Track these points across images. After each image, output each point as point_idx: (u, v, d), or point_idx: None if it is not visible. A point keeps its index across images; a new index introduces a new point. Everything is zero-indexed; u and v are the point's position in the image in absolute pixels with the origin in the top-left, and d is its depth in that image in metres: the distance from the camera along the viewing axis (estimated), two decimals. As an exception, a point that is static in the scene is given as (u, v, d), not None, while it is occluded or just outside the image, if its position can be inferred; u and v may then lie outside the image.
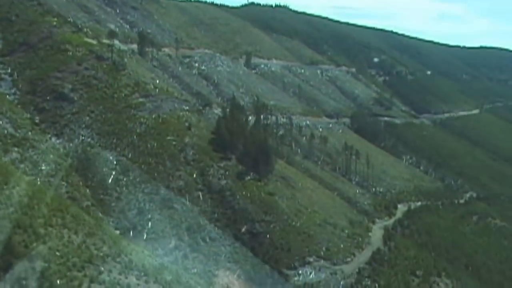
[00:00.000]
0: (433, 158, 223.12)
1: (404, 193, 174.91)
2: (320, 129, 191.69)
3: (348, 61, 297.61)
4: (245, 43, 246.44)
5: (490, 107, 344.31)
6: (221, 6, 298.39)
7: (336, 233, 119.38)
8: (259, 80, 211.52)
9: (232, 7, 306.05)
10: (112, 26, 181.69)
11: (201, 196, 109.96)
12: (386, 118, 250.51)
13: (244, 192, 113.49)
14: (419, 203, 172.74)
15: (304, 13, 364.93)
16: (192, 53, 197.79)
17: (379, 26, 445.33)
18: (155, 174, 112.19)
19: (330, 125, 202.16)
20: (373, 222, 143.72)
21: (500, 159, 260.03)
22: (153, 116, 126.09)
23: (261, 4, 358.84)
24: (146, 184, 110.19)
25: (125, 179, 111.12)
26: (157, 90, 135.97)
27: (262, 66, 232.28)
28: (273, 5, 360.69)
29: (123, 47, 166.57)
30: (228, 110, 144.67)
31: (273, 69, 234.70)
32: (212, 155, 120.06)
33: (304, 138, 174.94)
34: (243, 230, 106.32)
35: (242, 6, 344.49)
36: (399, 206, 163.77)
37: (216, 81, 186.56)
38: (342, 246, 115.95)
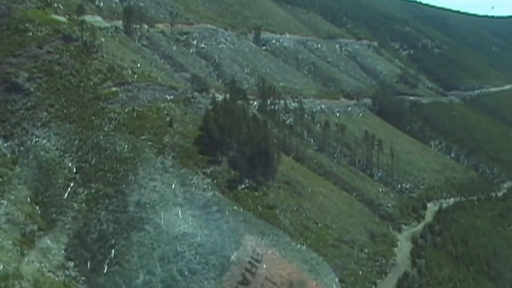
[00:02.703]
0: (465, 142, 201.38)
1: (434, 189, 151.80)
2: (337, 114, 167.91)
3: (370, 34, 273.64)
4: (255, 17, 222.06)
5: None
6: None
7: (353, 254, 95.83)
8: (268, 58, 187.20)
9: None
10: (97, 0, 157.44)
11: (180, 214, 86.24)
12: (411, 98, 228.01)
13: (235, 207, 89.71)
14: (451, 200, 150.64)
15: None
16: (191, 29, 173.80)
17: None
18: (124, 186, 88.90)
19: (349, 108, 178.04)
20: (399, 230, 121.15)
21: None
22: (126, 109, 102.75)
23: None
24: (112, 199, 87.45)
25: (85, 192, 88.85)
26: (135, 76, 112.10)
27: (274, 41, 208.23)
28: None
29: (106, 24, 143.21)
30: (220, 99, 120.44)
31: (285, 44, 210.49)
32: (197, 159, 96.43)
33: (318, 126, 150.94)
34: (232, 258, 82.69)
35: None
36: (428, 205, 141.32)
37: (217, 60, 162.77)
38: (360, 273, 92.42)
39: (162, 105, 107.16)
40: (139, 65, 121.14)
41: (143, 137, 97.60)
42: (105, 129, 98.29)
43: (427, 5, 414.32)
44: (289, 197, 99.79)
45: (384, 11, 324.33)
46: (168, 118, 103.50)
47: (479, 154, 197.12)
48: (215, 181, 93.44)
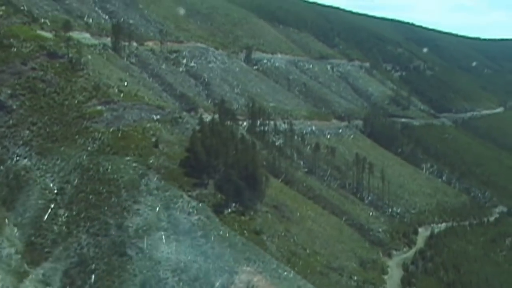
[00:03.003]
0: (457, 166, 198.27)
1: (426, 213, 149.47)
2: (328, 136, 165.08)
3: (362, 55, 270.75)
4: (246, 36, 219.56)
5: None
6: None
7: (342, 282, 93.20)
8: (259, 78, 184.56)
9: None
10: (86, 17, 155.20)
11: (164, 238, 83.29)
12: (403, 120, 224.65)
13: (221, 232, 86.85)
14: (443, 225, 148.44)
15: (314, 3, 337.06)
16: (181, 47, 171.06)
17: (394, 17, 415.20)
18: (106, 208, 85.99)
19: (340, 130, 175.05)
20: (390, 256, 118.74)
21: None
22: (111, 129, 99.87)
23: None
24: (93, 222, 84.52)
25: (66, 214, 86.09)
26: (121, 94, 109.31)
27: (265, 61, 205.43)
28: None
29: (94, 41, 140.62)
30: (208, 119, 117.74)
31: (277, 64, 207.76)
32: (182, 181, 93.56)
33: (308, 148, 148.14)
34: (217, 285, 79.74)
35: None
36: (420, 230, 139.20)
37: (206, 80, 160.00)
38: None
39: (148, 125, 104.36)
40: (126, 83, 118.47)
41: (127, 158, 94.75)
42: (89, 149, 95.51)
43: (419, 26, 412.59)
44: (277, 221, 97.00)
45: (376, 32, 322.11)
46: (153, 139, 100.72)
47: (471, 177, 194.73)
48: (200, 204, 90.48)
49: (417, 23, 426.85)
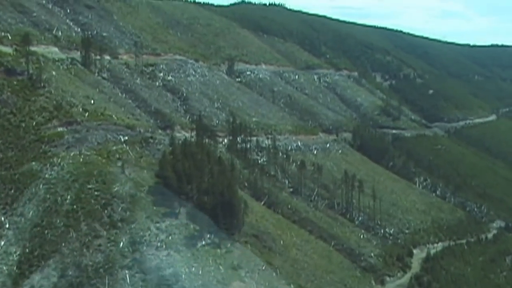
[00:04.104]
0: (451, 178, 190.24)
1: (420, 232, 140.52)
2: (315, 152, 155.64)
3: (350, 64, 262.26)
4: (229, 47, 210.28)
5: (506, 111, 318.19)
6: (204, 4, 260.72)
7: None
8: (241, 91, 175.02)
9: (218, 6, 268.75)
10: (55, 29, 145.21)
11: (128, 278, 73.51)
12: (393, 131, 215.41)
13: (193, 269, 76.91)
14: (439, 245, 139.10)
15: (299, 12, 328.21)
16: (158, 60, 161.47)
17: (382, 25, 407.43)
18: (63, 245, 76.15)
19: (328, 145, 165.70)
20: (382, 283, 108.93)
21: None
22: (72, 153, 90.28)
23: (254, 2, 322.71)
24: (48, 261, 74.78)
25: (18, 252, 75.71)
26: (86, 114, 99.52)
27: (248, 73, 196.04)
28: (267, 3, 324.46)
29: (61, 55, 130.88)
30: (185, 137, 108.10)
31: (261, 76, 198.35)
32: (151, 211, 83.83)
33: (293, 165, 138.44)
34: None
35: (231, 4, 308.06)
36: (415, 251, 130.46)
37: (185, 94, 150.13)
38: None
39: (114, 147, 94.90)
40: (92, 101, 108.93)
41: (89, 186, 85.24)
42: (46, 176, 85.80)
43: (408, 33, 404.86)
44: (257, 253, 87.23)
45: (364, 40, 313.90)
46: (119, 163, 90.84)
47: (466, 190, 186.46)
48: (170, 237, 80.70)
49: (405, 30, 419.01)
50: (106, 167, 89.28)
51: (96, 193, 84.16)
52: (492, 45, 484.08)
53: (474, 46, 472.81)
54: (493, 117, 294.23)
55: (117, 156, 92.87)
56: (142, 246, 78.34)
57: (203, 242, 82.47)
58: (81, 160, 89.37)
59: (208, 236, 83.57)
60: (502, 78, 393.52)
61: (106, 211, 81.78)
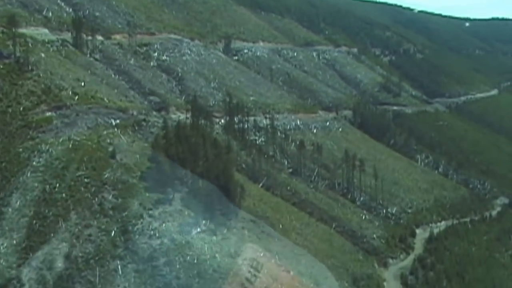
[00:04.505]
0: (453, 155, 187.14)
1: (423, 212, 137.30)
2: (315, 131, 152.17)
3: (349, 40, 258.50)
4: (225, 24, 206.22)
5: (508, 85, 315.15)
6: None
7: (332, 309, 79.90)
8: (238, 70, 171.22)
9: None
10: (45, 10, 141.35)
11: (120, 268, 70.42)
12: (394, 107, 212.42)
13: (188, 258, 73.69)
14: (442, 223, 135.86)
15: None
16: (152, 39, 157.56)
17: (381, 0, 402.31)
18: (52, 235, 72.95)
19: (328, 123, 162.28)
20: (385, 266, 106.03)
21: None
22: (61, 139, 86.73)
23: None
24: (36, 253, 71.49)
25: (5, 244, 72.95)
26: (76, 97, 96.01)
27: (246, 51, 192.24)
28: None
29: (52, 37, 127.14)
30: (181, 118, 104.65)
31: (258, 54, 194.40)
32: (143, 198, 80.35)
33: (292, 145, 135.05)
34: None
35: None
36: (417, 231, 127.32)
37: (180, 74, 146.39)
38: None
39: (105, 132, 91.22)
40: (83, 83, 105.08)
41: (78, 173, 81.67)
42: (34, 164, 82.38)
43: (407, 8, 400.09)
44: (255, 239, 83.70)
45: (363, 16, 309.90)
46: (110, 148, 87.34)
47: (469, 167, 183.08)
48: (164, 225, 77.27)
49: (404, 5, 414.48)
50: (96, 153, 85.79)
51: (86, 180, 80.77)
52: (492, 19, 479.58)
53: (474, 19, 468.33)
54: (494, 92, 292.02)
55: (108, 141, 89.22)
56: (134, 235, 75.04)
57: (198, 229, 78.85)
58: (71, 146, 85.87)
59: (204, 222, 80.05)
60: (503, 52, 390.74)
61: (96, 199, 78.39)
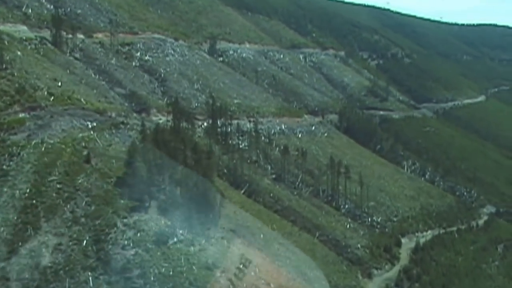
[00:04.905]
0: (440, 161, 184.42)
1: (409, 220, 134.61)
2: (299, 135, 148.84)
3: (336, 43, 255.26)
4: (211, 25, 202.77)
5: (495, 92, 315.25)
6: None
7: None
8: (223, 71, 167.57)
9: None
10: (25, 7, 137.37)
11: (91, 281, 66.65)
12: (381, 112, 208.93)
13: (163, 269, 70.00)
14: (429, 233, 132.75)
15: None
16: (135, 39, 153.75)
17: (369, 3, 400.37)
18: (19, 244, 69.03)
19: (313, 128, 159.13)
20: (370, 277, 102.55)
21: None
22: (33, 142, 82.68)
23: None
24: (2, 262, 67.38)
25: (-31, 253, 68.38)
26: (52, 98, 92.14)
27: (231, 52, 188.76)
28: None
29: (30, 34, 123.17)
30: (162, 121, 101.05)
31: (244, 55, 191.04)
32: (118, 205, 76.61)
33: (276, 150, 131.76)
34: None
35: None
36: (403, 241, 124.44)
37: (162, 75, 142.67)
38: None
39: (80, 135, 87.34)
40: (60, 83, 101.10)
41: (50, 178, 77.73)
42: (4, 168, 78.41)
43: (396, 12, 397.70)
44: (234, 250, 80.00)
45: (351, 19, 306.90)
46: (85, 152, 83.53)
47: (456, 174, 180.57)
48: (139, 234, 73.53)
49: (393, 8, 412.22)
50: (70, 157, 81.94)
51: (58, 185, 76.87)
52: (480, 24, 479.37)
53: (463, 25, 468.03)
54: (482, 98, 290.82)
55: (83, 144, 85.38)
56: (107, 244, 71.22)
57: (175, 239, 75.04)
58: (43, 149, 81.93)
59: (181, 232, 76.26)
60: (491, 58, 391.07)
61: (68, 206, 74.51)
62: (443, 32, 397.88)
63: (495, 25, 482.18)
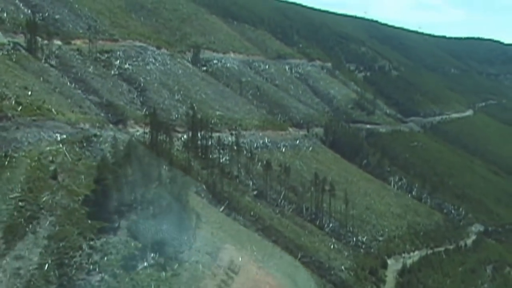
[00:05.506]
0: (427, 177, 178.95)
1: (396, 240, 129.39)
2: (283, 149, 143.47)
3: (323, 55, 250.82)
4: (195, 33, 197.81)
5: (483, 106, 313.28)
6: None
7: None
8: (205, 82, 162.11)
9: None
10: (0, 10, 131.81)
11: (51, 310, 60.90)
12: (368, 126, 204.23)
13: (131, 298, 64.35)
14: (416, 253, 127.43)
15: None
16: (115, 46, 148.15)
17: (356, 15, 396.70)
18: (-26, 268, 63.18)
19: (297, 142, 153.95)
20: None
21: (502, 171, 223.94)
22: (-4, 156, 76.74)
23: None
24: (-46, 289, 61.64)
25: None
26: (19, 108, 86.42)
27: (215, 62, 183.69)
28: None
29: (3, 39, 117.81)
30: (138, 133, 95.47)
31: (228, 65, 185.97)
32: (85, 226, 71.03)
33: (259, 165, 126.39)
34: None
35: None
36: (389, 262, 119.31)
37: (142, 84, 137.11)
38: None
39: (48, 148, 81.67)
40: (30, 92, 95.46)
41: (12, 195, 71.99)
42: (-38, 183, 72.65)
43: (383, 24, 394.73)
44: (210, 275, 74.54)
45: (339, 30, 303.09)
46: (52, 167, 77.86)
47: (443, 191, 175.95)
48: (106, 258, 67.94)
49: (381, 20, 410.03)
50: (35, 172, 76.28)
51: (20, 203, 71.14)
52: (467, 38, 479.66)
53: (450, 38, 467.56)
54: (469, 112, 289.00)
55: (50, 158, 79.74)
56: (71, 269, 65.61)
57: (145, 264, 69.45)
58: (6, 163, 76.26)
59: (152, 255, 70.74)
60: (478, 72, 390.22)
61: (30, 226, 68.84)
62: (430, 45, 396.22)
63: (482, 39, 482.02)
